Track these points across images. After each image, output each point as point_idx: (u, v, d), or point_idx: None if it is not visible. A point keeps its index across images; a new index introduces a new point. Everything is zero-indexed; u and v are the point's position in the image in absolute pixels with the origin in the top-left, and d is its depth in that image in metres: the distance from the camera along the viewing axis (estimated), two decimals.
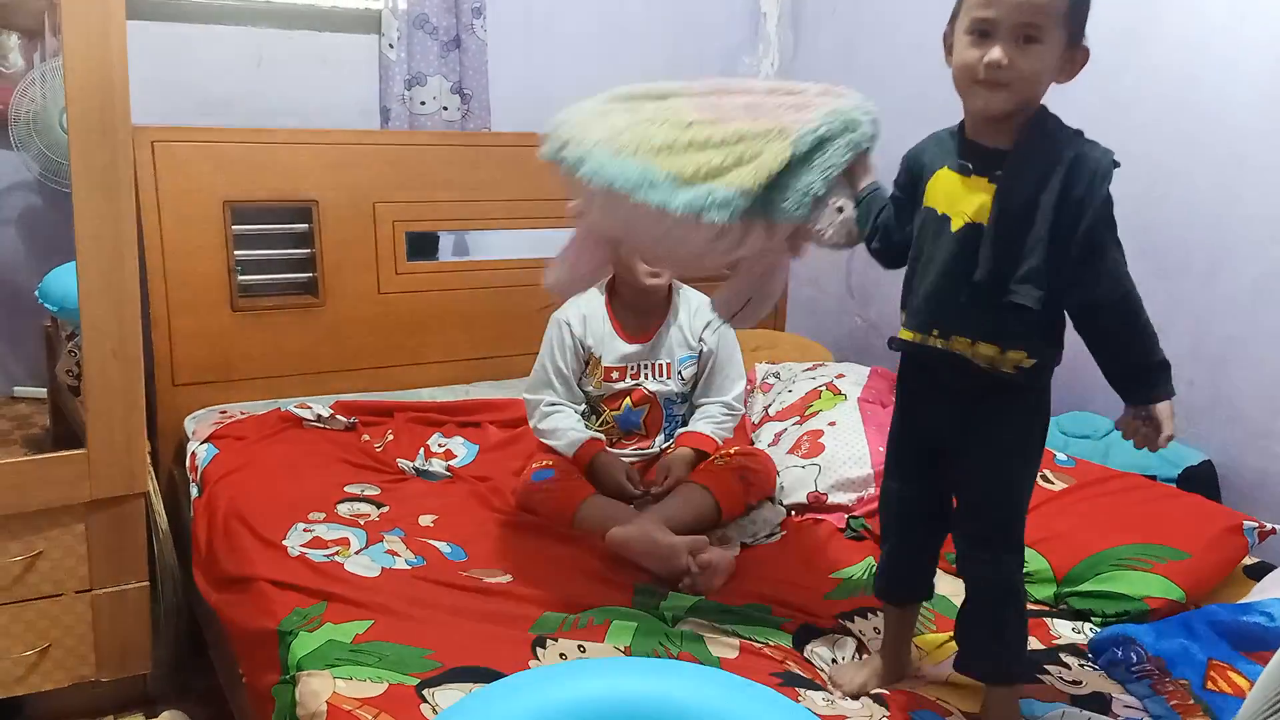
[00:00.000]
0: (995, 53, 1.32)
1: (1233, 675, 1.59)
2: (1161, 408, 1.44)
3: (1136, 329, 1.42)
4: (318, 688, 1.45)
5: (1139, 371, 1.45)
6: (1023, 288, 1.34)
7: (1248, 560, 1.92)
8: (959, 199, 1.40)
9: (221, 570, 1.90)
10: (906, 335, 1.47)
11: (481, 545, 1.93)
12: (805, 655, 1.66)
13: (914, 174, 1.51)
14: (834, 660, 1.66)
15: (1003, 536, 1.49)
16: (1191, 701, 1.53)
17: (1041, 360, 1.42)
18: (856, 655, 1.69)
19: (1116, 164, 1.35)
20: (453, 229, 2.94)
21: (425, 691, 1.45)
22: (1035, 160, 1.35)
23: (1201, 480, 2.14)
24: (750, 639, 1.66)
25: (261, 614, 1.69)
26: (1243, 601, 1.79)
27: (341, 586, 1.71)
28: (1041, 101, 1.40)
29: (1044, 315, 1.37)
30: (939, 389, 1.48)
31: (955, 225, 1.39)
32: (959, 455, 1.49)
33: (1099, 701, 1.53)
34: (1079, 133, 1.39)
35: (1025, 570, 1.86)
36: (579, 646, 1.60)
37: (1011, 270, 1.35)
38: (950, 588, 1.91)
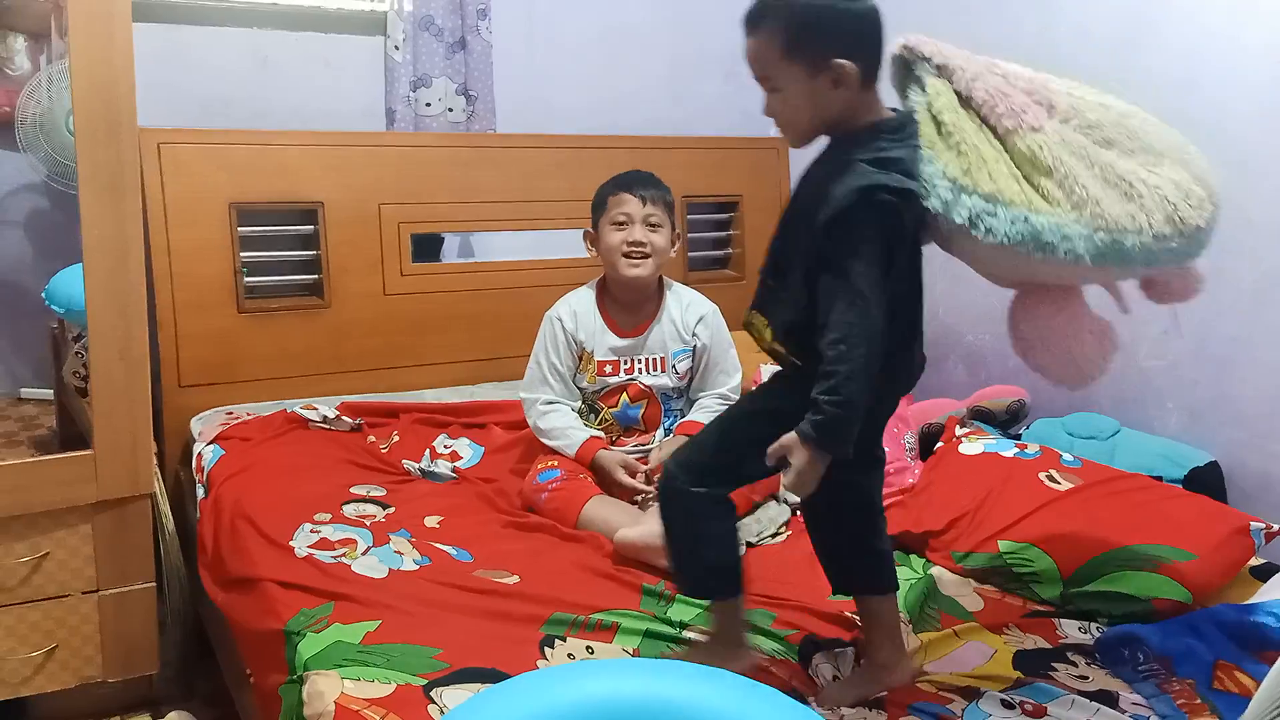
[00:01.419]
0: (767, 107, 1.47)
1: (1239, 675, 1.59)
2: (795, 445, 1.36)
3: (826, 360, 1.36)
4: (325, 688, 1.45)
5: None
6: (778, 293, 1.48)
7: (1254, 561, 1.91)
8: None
9: (228, 571, 1.90)
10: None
11: (488, 546, 1.93)
12: (810, 673, 1.66)
13: None
14: (835, 678, 1.65)
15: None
16: (1198, 701, 1.53)
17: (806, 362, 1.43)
18: (856, 666, 1.69)
19: (883, 197, 1.37)
20: (458, 230, 2.95)
21: (433, 692, 1.45)
22: (816, 176, 1.46)
23: (1207, 481, 2.14)
24: (755, 650, 1.66)
25: (268, 614, 1.69)
26: (1249, 602, 1.79)
27: (349, 587, 1.72)
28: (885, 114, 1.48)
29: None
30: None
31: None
32: None
33: (1106, 699, 1.53)
34: (878, 159, 1.40)
35: (1032, 570, 1.87)
36: (587, 648, 1.60)
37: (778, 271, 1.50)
38: (953, 587, 1.91)
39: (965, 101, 1.47)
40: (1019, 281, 1.54)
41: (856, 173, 1.38)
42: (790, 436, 1.37)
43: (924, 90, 1.49)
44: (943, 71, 1.50)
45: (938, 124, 1.45)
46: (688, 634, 1.67)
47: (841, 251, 1.37)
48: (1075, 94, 1.57)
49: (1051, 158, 1.42)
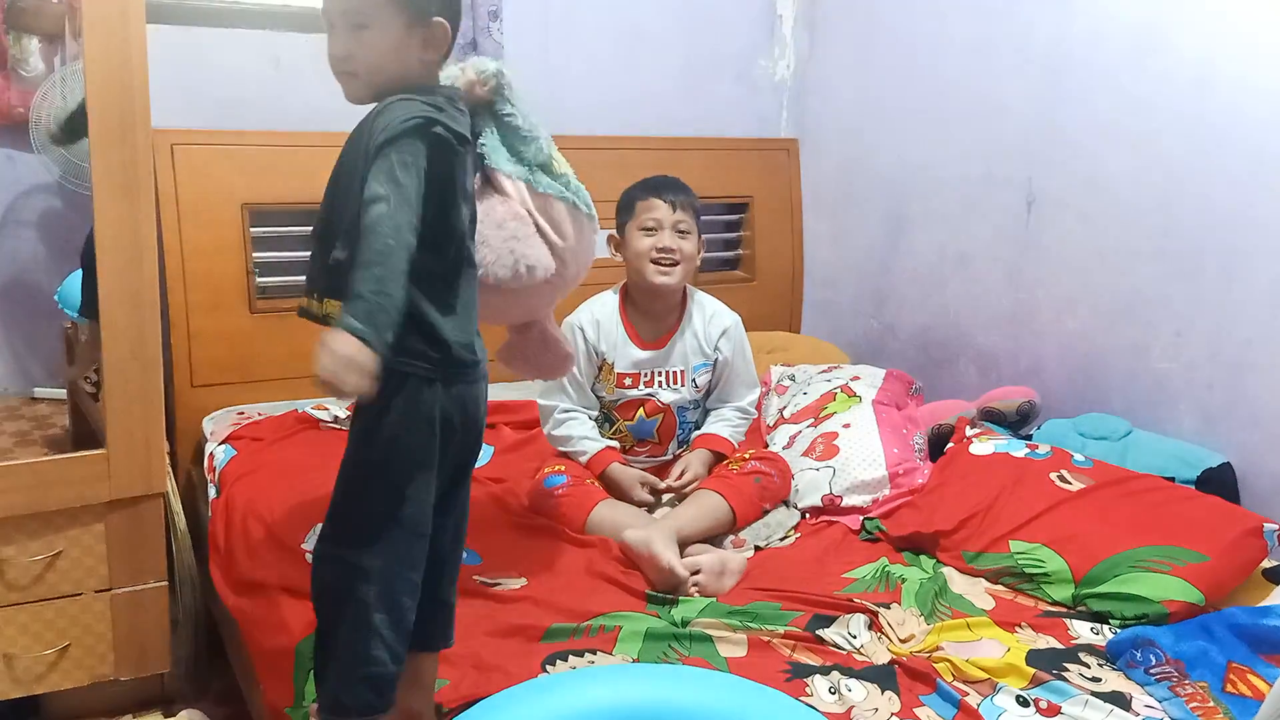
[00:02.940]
0: (333, 48, 1.37)
1: (1252, 678, 1.59)
2: (338, 340, 1.18)
3: (364, 241, 1.21)
4: None
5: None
6: (340, 244, 1.31)
7: (1267, 563, 1.90)
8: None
9: (239, 572, 1.91)
10: (302, 301, 1.44)
11: (496, 548, 1.93)
12: (818, 635, 1.67)
13: None
14: (848, 635, 1.67)
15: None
16: (1211, 704, 1.53)
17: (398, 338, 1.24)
18: (870, 632, 1.70)
19: (435, 131, 1.30)
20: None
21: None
22: (364, 124, 1.35)
23: (1220, 482, 2.13)
24: (759, 631, 1.67)
25: (278, 629, 1.69)
26: (1262, 604, 1.79)
27: None
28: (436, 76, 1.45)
29: None
30: None
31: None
32: None
33: (1119, 701, 1.53)
34: (430, 103, 1.33)
35: (1043, 570, 1.87)
36: (589, 664, 1.59)
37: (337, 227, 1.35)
38: (964, 586, 1.91)
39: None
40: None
41: (412, 106, 1.31)
42: (329, 333, 1.19)
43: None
44: None
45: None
46: (693, 629, 1.68)
47: (393, 161, 1.26)
48: None
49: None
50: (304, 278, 1.45)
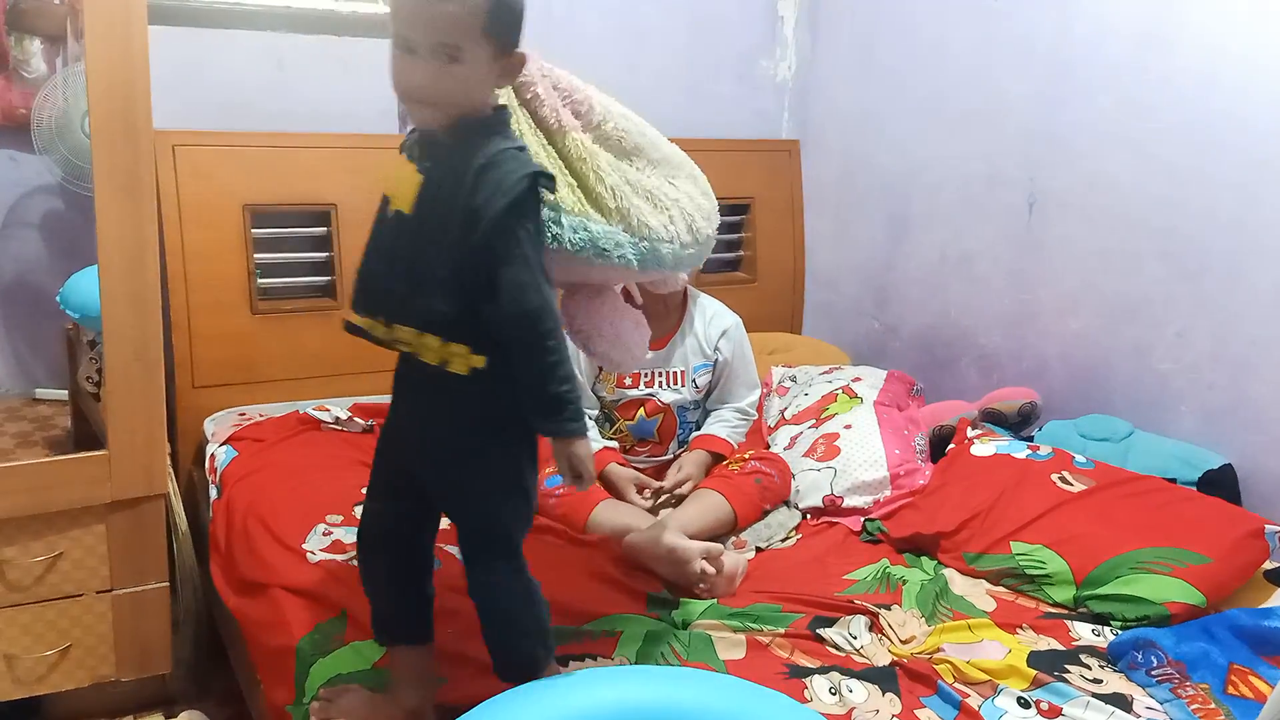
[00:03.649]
0: (416, 77, 1.30)
1: (1254, 680, 1.59)
2: (578, 446, 1.36)
3: (534, 350, 1.32)
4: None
5: (536, 399, 1.35)
6: (433, 293, 1.32)
7: (1269, 565, 1.90)
8: (395, 179, 1.37)
9: (240, 573, 1.91)
10: (354, 318, 1.41)
11: None
12: (817, 634, 1.67)
13: None
14: (848, 635, 1.67)
15: (485, 550, 1.45)
16: (1212, 706, 1.52)
17: (493, 360, 1.33)
18: (871, 633, 1.70)
19: (543, 186, 1.34)
20: None
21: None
22: (456, 164, 1.32)
23: (1222, 484, 2.13)
24: (759, 631, 1.67)
25: (279, 627, 1.69)
26: (1264, 606, 1.78)
27: (362, 597, 1.71)
28: (500, 104, 1.42)
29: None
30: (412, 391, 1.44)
31: (391, 208, 1.37)
32: (429, 477, 1.45)
33: (1120, 702, 1.53)
34: (521, 148, 1.37)
35: (1044, 572, 1.87)
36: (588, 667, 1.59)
37: (429, 270, 1.32)
38: (965, 587, 1.91)
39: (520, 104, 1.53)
40: (566, 282, 1.64)
41: (518, 160, 1.33)
42: (566, 445, 1.36)
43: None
44: None
45: None
46: (693, 630, 1.67)
47: (520, 239, 1.30)
48: (606, 104, 1.65)
49: (594, 165, 1.53)
50: (361, 294, 1.43)
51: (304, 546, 1.88)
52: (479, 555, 1.46)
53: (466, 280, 1.30)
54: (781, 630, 1.68)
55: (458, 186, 1.31)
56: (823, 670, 1.58)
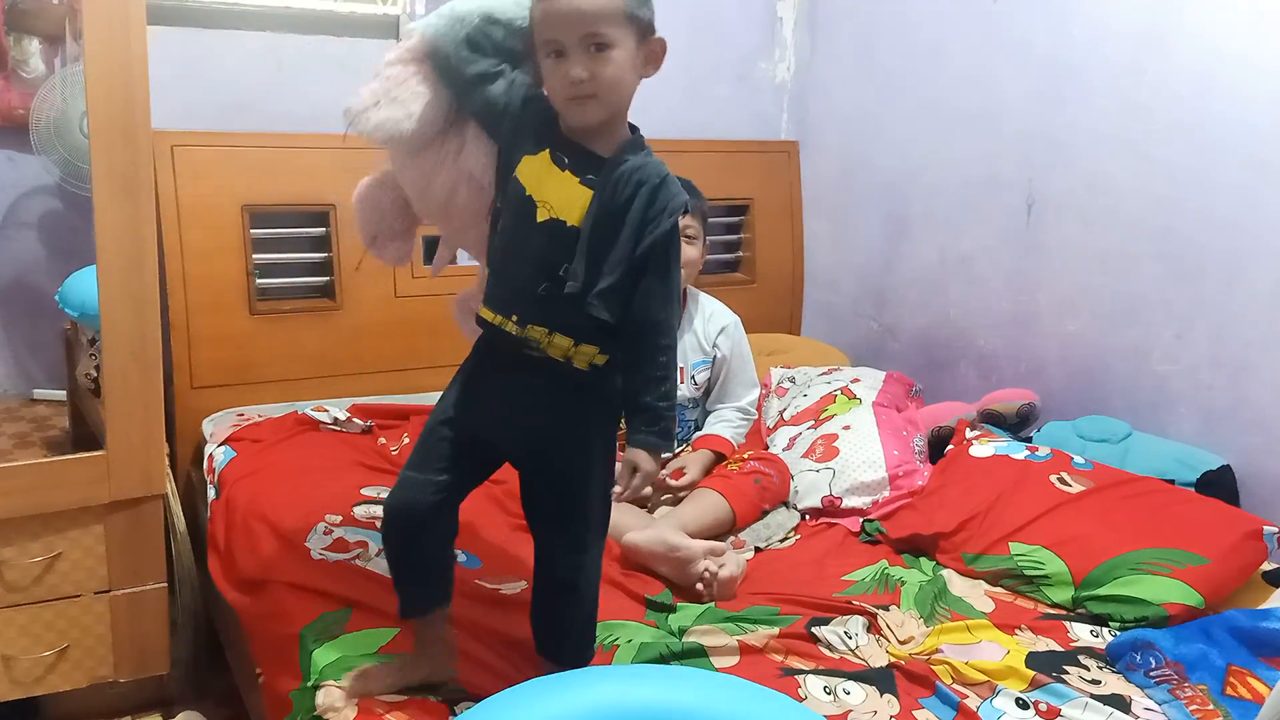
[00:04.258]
0: (576, 70, 1.34)
1: (1252, 681, 1.59)
2: (645, 460, 1.45)
3: (646, 357, 1.43)
4: (339, 695, 1.46)
5: (632, 403, 1.45)
6: (598, 303, 1.37)
7: (1267, 566, 1.90)
8: (548, 188, 1.39)
9: (240, 571, 1.91)
10: (486, 315, 1.44)
11: (496, 551, 1.93)
12: (812, 634, 1.67)
13: (514, 114, 1.45)
14: (844, 635, 1.67)
15: (581, 527, 1.51)
16: (1210, 707, 1.52)
17: (612, 357, 1.44)
18: (868, 634, 1.70)
19: (687, 210, 1.47)
20: None
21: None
22: (630, 176, 1.38)
23: (1220, 485, 2.13)
24: (754, 632, 1.67)
25: (281, 617, 1.69)
26: (1262, 607, 1.78)
27: (366, 593, 1.72)
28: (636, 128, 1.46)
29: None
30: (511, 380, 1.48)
31: (540, 215, 1.39)
32: (526, 453, 1.50)
33: (1119, 704, 1.53)
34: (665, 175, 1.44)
35: (1043, 573, 1.87)
36: None
37: (594, 279, 1.37)
38: (963, 588, 1.91)
39: None
40: None
41: (670, 178, 1.42)
42: (637, 453, 1.44)
43: None
44: None
45: None
46: (688, 640, 1.67)
47: (671, 255, 1.42)
48: None
49: None
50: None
51: (306, 544, 1.88)
52: (573, 532, 1.51)
53: (625, 289, 1.38)
54: (776, 631, 1.68)
55: (628, 203, 1.37)
56: (818, 673, 1.57)
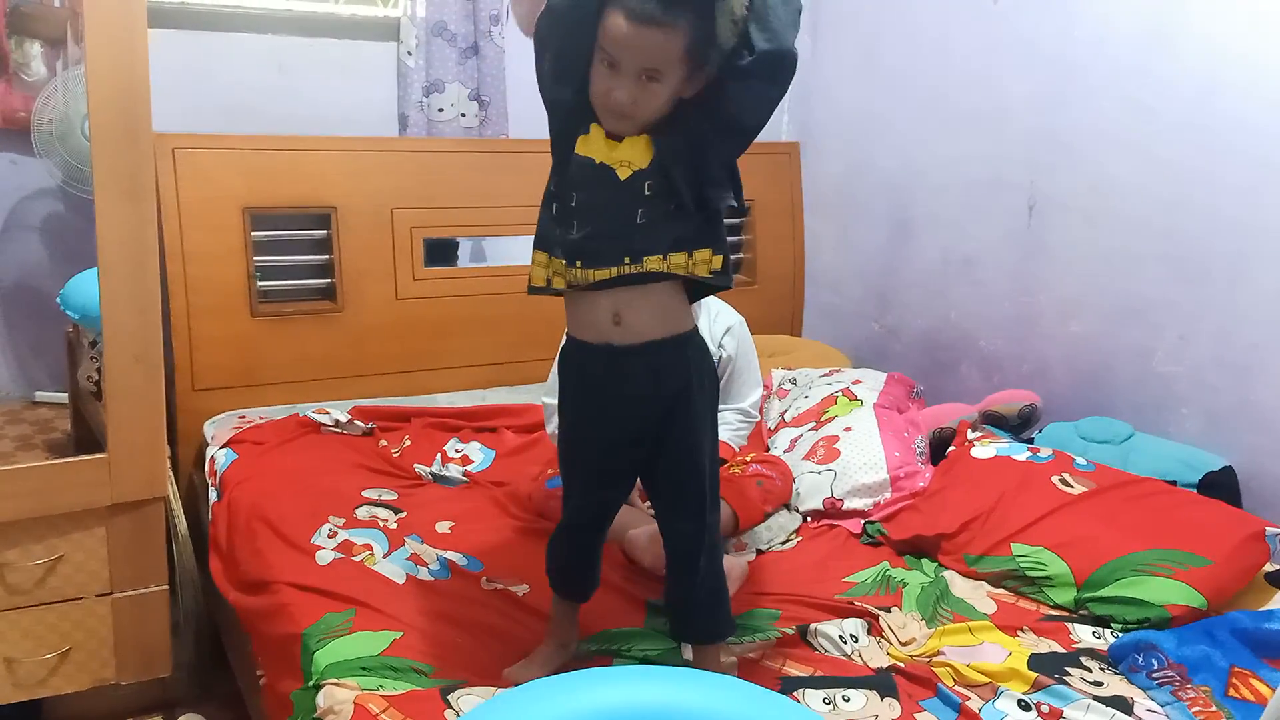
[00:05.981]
0: (620, 94, 1.40)
1: (1255, 682, 1.58)
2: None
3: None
4: (341, 697, 1.46)
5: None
6: (715, 192, 1.46)
7: (1270, 567, 1.90)
8: (620, 151, 1.45)
9: (243, 573, 1.91)
10: (595, 275, 1.47)
11: (498, 553, 1.93)
12: (808, 639, 1.66)
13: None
14: (841, 637, 1.67)
15: (712, 503, 1.58)
16: (1213, 708, 1.52)
17: (726, 255, 1.50)
18: (869, 636, 1.69)
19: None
20: (470, 235, 2.95)
21: (450, 696, 1.46)
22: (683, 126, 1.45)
23: (1222, 486, 2.12)
24: (750, 642, 1.66)
25: (284, 618, 1.69)
26: (1265, 609, 1.78)
27: (369, 594, 1.72)
28: None
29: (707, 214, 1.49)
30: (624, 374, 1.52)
31: (623, 174, 1.45)
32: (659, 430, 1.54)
33: (1121, 705, 1.53)
34: None
35: (1045, 574, 1.87)
36: None
37: (693, 181, 1.45)
38: (965, 590, 1.91)
39: None
40: None
41: None
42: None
43: None
44: None
45: None
46: (686, 654, 1.67)
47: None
48: None
49: None
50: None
51: (310, 545, 1.88)
52: (704, 511, 1.56)
53: (712, 187, 1.46)
54: (773, 639, 1.67)
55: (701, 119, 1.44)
56: (817, 684, 1.57)
